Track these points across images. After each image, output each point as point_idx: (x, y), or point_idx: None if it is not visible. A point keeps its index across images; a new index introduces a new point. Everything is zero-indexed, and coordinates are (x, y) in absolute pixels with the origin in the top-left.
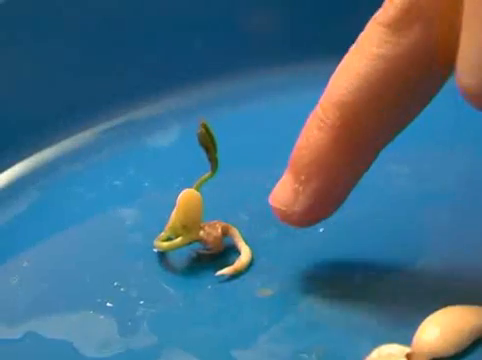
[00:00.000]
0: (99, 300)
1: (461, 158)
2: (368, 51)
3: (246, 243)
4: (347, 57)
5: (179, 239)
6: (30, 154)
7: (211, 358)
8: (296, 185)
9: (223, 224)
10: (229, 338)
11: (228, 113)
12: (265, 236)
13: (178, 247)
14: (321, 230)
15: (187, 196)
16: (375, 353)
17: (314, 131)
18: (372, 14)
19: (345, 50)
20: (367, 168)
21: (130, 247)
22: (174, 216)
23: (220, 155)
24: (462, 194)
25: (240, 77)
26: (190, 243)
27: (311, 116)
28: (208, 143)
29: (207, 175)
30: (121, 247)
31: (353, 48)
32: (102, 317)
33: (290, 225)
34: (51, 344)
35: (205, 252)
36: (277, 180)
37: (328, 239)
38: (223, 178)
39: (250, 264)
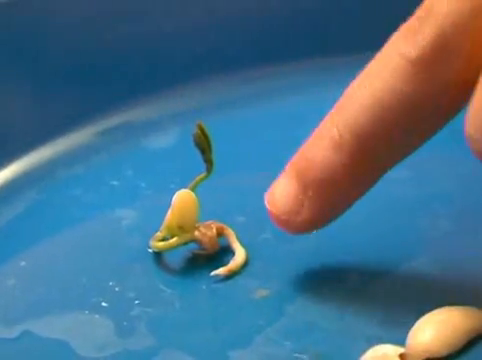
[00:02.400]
0: (95, 300)
1: (460, 162)
2: (391, 84)
3: (241, 244)
4: (366, 81)
5: (174, 239)
6: (27, 155)
7: (207, 358)
8: (301, 196)
9: (218, 225)
10: (225, 338)
11: (226, 116)
12: (261, 237)
13: (173, 247)
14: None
15: (182, 197)
16: (370, 353)
17: (328, 151)
18: (371, 18)
19: (345, 55)
20: (372, 187)
21: (126, 248)
22: (170, 216)
23: (217, 157)
24: (460, 198)
25: (238, 80)
26: (186, 243)
27: (323, 132)
28: (203, 144)
29: (202, 176)
30: (117, 248)
31: (372, 72)
32: (98, 317)
33: (285, 231)
34: (47, 344)
35: (200, 252)
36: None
37: (324, 240)
38: (219, 179)
39: (245, 265)
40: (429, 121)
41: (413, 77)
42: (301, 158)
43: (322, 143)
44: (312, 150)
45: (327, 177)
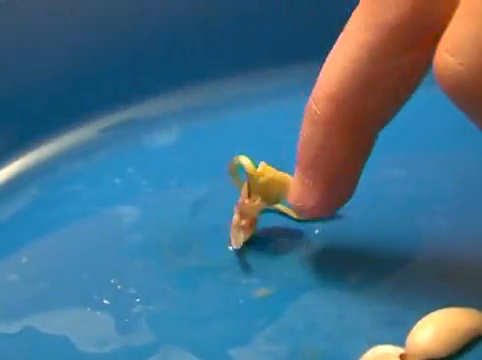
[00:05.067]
0: (96, 297)
1: (458, 162)
2: (354, 37)
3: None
4: (336, 45)
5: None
6: (29, 152)
7: (208, 356)
8: (306, 180)
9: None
10: (226, 337)
11: (226, 114)
12: (262, 237)
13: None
14: (317, 231)
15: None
16: (370, 353)
17: (309, 127)
18: None
19: None
20: (369, 151)
21: (128, 245)
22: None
23: (221, 157)
24: (459, 198)
25: (240, 79)
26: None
27: (305, 110)
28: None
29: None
30: (119, 245)
31: (341, 36)
32: (99, 314)
33: (312, 218)
34: (48, 340)
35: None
36: None
37: (324, 240)
38: (222, 179)
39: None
40: (401, 74)
41: (372, 24)
42: (298, 150)
43: (305, 121)
44: (301, 133)
45: (314, 154)
